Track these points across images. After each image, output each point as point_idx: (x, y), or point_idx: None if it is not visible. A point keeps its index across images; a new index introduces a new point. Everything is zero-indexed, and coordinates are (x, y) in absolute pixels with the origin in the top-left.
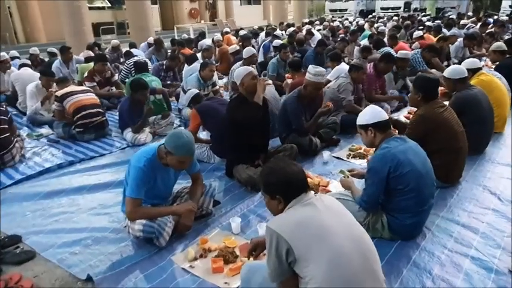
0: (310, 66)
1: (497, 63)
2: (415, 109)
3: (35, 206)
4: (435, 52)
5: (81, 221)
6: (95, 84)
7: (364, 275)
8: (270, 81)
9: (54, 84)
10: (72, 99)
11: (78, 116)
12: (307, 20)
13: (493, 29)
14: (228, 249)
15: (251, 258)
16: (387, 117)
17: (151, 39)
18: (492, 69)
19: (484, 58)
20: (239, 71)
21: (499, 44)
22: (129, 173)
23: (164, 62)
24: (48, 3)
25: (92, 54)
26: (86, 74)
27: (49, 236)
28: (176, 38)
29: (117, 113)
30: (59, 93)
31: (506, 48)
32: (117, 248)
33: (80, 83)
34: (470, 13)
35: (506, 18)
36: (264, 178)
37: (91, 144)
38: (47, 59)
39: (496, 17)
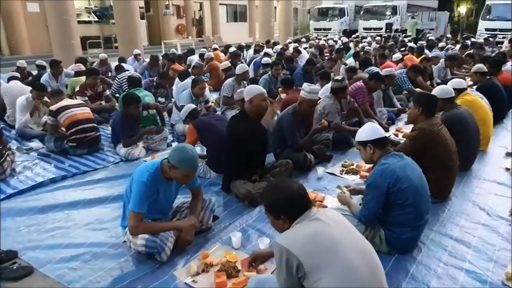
0: (304, 84)
1: (479, 84)
2: (402, 127)
3: (29, 221)
4: (419, 72)
5: (78, 236)
6: (87, 98)
7: (372, 286)
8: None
9: (46, 97)
10: (67, 113)
11: (72, 130)
12: (293, 39)
13: (471, 51)
14: (230, 264)
15: (254, 272)
16: (385, 135)
17: (136, 51)
18: (473, 90)
19: (466, 78)
20: (252, 88)
21: (480, 66)
22: (132, 187)
23: (155, 79)
24: (34, 16)
25: (82, 68)
26: (77, 88)
27: (46, 251)
28: (164, 52)
29: (108, 128)
30: (54, 107)
31: (486, 70)
32: (117, 263)
33: (70, 97)
34: (448, 35)
35: (483, 40)
36: (266, 199)
37: (83, 158)
38: (34, 72)
39: (473, 39)
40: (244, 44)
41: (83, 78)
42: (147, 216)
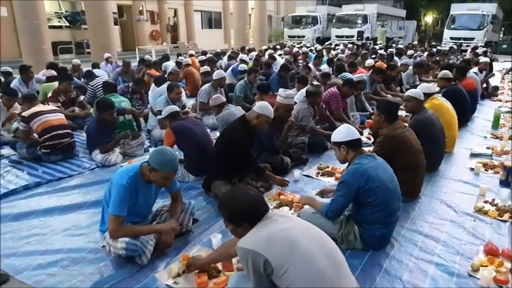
0: (280, 90)
1: (444, 89)
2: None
3: (3, 228)
4: (382, 74)
5: (55, 242)
6: (60, 104)
7: (331, 270)
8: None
9: (16, 103)
10: (40, 119)
11: (46, 136)
12: (269, 46)
13: (437, 58)
14: (210, 265)
15: (235, 271)
16: (359, 137)
17: (107, 55)
18: (439, 95)
19: (432, 84)
20: (267, 106)
21: (445, 72)
22: (111, 191)
23: (130, 85)
24: (2, 20)
25: (54, 73)
26: (50, 94)
27: (22, 258)
28: (138, 58)
29: (83, 134)
30: (26, 113)
31: (451, 76)
32: (96, 268)
33: (42, 103)
34: (415, 42)
35: (448, 48)
36: (227, 210)
37: (58, 165)
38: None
39: (439, 47)
40: (220, 51)
41: (55, 84)
42: (127, 220)
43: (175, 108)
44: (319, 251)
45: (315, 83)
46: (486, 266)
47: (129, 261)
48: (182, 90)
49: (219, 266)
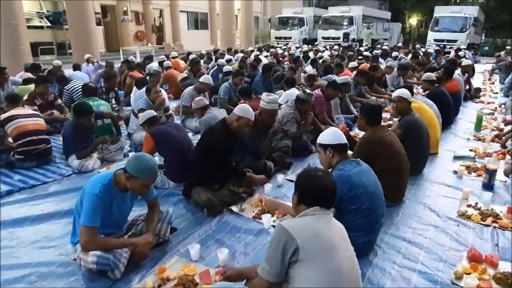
0: (263, 95)
1: (428, 91)
2: (359, 133)
3: None
4: (365, 75)
5: (23, 255)
6: (36, 107)
7: None
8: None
9: None
10: (15, 123)
11: (20, 142)
12: (255, 47)
13: (421, 59)
14: (187, 278)
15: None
16: (346, 142)
17: (87, 55)
18: (424, 97)
19: (416, 86)
20: (248, 109)
21: (429, 74)
22: (83, 200)
23: (103, 84)
24: None
25: (30, 75)
26: (26, 97)
27: None
28: (122, 59)
29: (60, 138)
30: (2, 116)
31: (435, 78)
32: (66, 283)
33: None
34: (400, 44)
35: (432, 50)
36: (301, 175)
37: (32, 171)
38: None
39: (423, 49)
40: (204, 52)
41: (32, 87)
42: (100, 231)
43: (153, 112)
44: (349, 270)
45: (308, 90)
46: (469, 274)
47: (102, 274)
48: (162, 90)
49: (196, 278)
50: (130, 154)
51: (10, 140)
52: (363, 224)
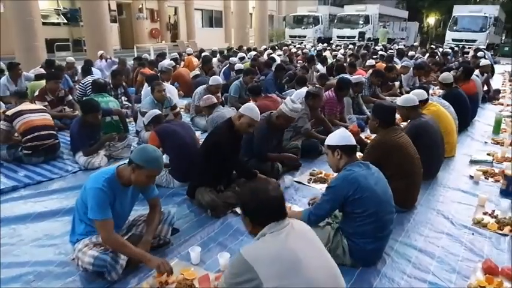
0: (288, 100)
1: (444, 93)
2: (371, 135)
3: None
4: (381, 76)
5: (22, 253)
6: (47, 103)
7: None
8: None
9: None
10: (23, 118)
11: (28, 137)
12: (268, 46)
13: (437, 59)
14: (186, 282)
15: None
16: (355, 143)
17: (100, 52)
18: (440, 98)
19: (432, 86)
20: (252, 108)
21: (446, 76)
22: (85, 197)
23: (110, 81)
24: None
25: (43, 71)
26: (36, 93)
27: None
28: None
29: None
30: (10, 112)
31: (451, 80)
32: (63, 283)
33: (30, 102)
34: (416, 43)
35: (450, 50)
36: (242, 195)
37: (39, 167)
38: None
39: (441, 49)
40: (217, 49)
41: (43, 82)
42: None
43: (156, 111)
44: (326, 278)
45: (318, 86)
46: (484, 287)
47: (100, 276)
48: (170, 87)
49: (196, 283)
50: None
51: (17, 135)
52: (370, 230)
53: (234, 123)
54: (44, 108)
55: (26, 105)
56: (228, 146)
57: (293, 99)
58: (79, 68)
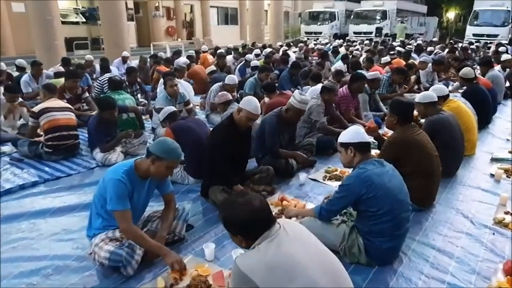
0: (296, 92)
1: (465, 88)
2: (388, 132)
3: None
4: (403, 74)
5: (41, 247)
6: (65, 101)
7: None
8: None
9: (20, 98)
10: (48, 116)
11: (50, 136)
12: (283, 42)
13: (457, 54)
14: (200, 278)
15: None
16: (369, 140)
17: (125, 53)
18: (459, 95)
19: (451, 83)
20: (251, 101)
21: (466, 72)
22: (104, 189)
23: (125, 79)
24: (19, 16)
25: (61, 69)
26: None
27: (5, 264)
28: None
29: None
30: (36, 108)
31: (472, 76)
32: (80, 278)
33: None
34: (435, 38)
35: (468, 45)
36: (223, 215)
37: (58, 163)
38: (15, 71)
39: (460, 44)
40: (232, 46)
41: (62, 80)
42: (114, 224)
43: (172, 108)
44: (326, 277)
45: (333, 80)
46: None
47: (116, 270)
48: (183, 83)
49: (210, 279)
50: None
51: (40, 132)
52: (385, 229)
53: (235, 119)
54: (70, 106)
55: (53, 102)
56: (232, 141)
57: (301, 92)
58: (97, 66)
